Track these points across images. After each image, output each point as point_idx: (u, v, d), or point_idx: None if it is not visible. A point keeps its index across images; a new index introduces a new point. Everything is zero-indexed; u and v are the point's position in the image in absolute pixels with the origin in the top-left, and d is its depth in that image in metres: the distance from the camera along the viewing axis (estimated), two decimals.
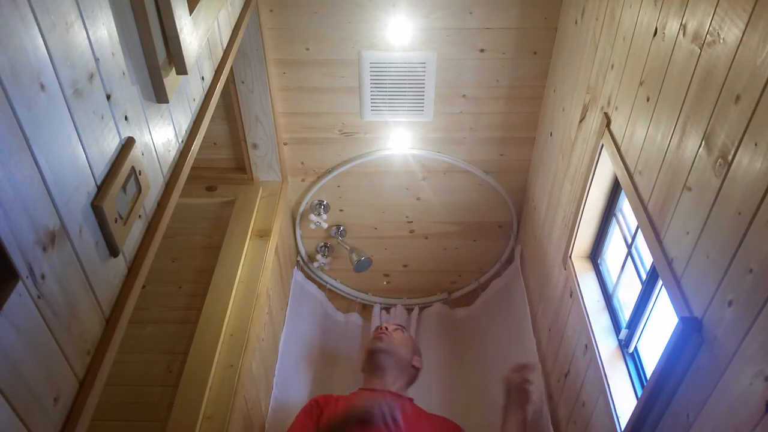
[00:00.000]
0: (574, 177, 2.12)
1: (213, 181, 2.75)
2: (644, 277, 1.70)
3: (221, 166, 2.81)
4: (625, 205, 1.92)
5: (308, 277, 3.21)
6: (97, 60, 0.97)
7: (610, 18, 1.81)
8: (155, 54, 1.15)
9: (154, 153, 1.21)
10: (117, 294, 1.06)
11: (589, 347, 1.87)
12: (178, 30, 1.19)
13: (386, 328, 2.60)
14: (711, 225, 1.19)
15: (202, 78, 1.52)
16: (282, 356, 2.68)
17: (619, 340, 1.83)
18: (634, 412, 1.46)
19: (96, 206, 0.96)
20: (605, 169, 1.88)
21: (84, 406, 0.92)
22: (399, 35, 2.40)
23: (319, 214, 2.98)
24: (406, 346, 2.55)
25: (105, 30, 1.00)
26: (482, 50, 2.45)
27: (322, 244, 3.15)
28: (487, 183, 2.88)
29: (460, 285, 3.30)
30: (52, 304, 0.85)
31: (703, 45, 1.25)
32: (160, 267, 2.25)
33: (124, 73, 1.07)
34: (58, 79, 0.86)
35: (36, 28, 0.80)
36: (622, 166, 1.65)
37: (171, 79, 1.23)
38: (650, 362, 1.71)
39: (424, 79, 2.52)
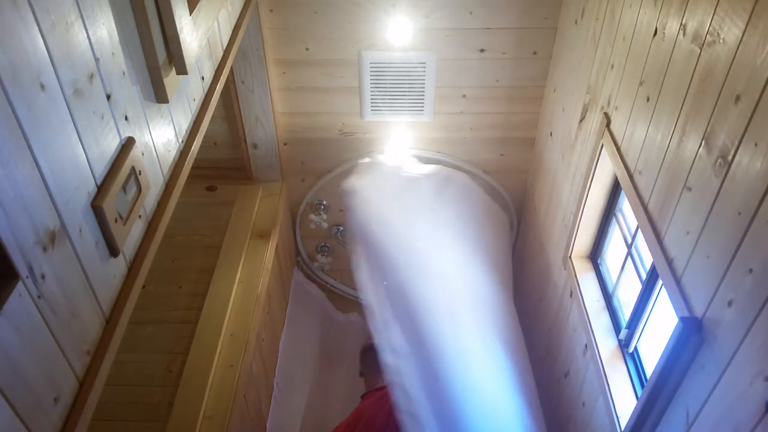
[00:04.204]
0: (574, 177, 2.12)
1: (213, 181, 2.74)
2: (644, 277, 1.70)
3: (221, 166, 2.81)
4: (625, 205, 1.92)
5: (308, 277, 3.20)
6: (97, 60, 0.97)
7: (610, 18, 1.81)
8: (155, 54, 1.15)
9: (154, 153, 1.21)
10: (117, 294, 1.06)
11: (589, 347, 1.87)
12: (178, 30, 1.19)
13: None
14: (711, 225, 1.19)
15: (202, 78, 1.52)
16: (282, 356, 2.67)
17: (619, 340, 1.83)
18: (634, 412, 1.46)
19: (96, 206, 0.95)
20: (605, 169, 1.88)
21: (84, 406, 0.92)
22: (399, 35, 2.40)
23: (319, 214, 2.98)
24: None
25: (105, 30, 1.00)
26: (482, 50, 2.45)
27: (322, 244, 3.15)
28: (487, 183, 2.88)
29: None
30: (52, 303, 0.85)
31: (703, 45, 1.25)
32: (160, 267, 2.24)
33: (124, 73, 1.07)
34: (58, 79, 0.86)
35: (36, 28, 0.80)
36: (622, 166, 1.65)
37: (171, 79, 1.23)
38: (650, 362, 1.71)
39: (424, 79, 2.52)
